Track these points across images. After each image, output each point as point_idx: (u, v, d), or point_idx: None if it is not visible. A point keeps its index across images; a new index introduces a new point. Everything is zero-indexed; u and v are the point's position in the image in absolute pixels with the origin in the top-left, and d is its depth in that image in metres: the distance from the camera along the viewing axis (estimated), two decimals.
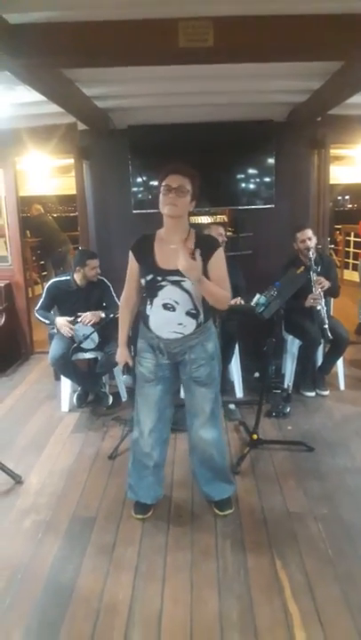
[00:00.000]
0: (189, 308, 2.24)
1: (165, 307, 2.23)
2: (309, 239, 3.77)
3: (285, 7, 2.34)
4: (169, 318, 2.25)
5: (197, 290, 2.18)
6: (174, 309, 2.23)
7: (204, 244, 2.21)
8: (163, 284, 2.21)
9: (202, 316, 2.28)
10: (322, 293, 3.68)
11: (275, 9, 2.36)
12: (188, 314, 2.24)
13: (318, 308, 3.65)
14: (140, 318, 2.40)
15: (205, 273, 2.17)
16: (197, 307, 2.25)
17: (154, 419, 2.41)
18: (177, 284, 2.20)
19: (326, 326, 3.61)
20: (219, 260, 2.24)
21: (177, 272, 2.15)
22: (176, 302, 2.22)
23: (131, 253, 2.32)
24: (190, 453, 2.56)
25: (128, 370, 2.44)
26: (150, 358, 2.36)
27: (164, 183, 2.15)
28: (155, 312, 2.27)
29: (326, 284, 3.71)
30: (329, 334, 3.61)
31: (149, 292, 2.25)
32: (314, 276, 3.67)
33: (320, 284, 3.68)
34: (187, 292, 2.21)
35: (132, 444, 2.53)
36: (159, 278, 2.21)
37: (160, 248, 2.25)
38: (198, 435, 2.44)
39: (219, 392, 2.46)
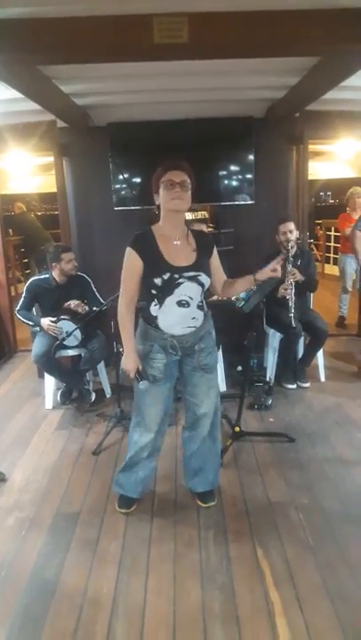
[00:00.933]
0: (199, 301, 2.27)
1: (180, 303, 2.21)
2: (290, 232, 3.84)
3: (260, 3, 2.36)
4: (183, 314, 2.24)
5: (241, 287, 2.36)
6: (189, 305, 2.23)
7: (203, 242, 2.30)
8: (180, 281, 2.18)
9: (205, 307, 2.34)
10: (293, 283, 3.73)
11: (250, 5, 2.37)
12: (198, 307, 2.27)
13: (287, 297, 3.71)
14: (142, 320, 2.33)
15: (208, 267, 2.28)
16: (202, 299, 2.30)
17: (161, 415, 2.42)
18: (194, 279, 2.21)
19: (292, 315, 3.67)
20: (216, 254, 2.36)
21: (191, 267, 2.20)
22: (191, 298, 2.22)
23: (132, 252, 2.18)
24: (185, 444, 2.57)
25: (141, 375, 2.29)
26: (161, 359, 2.32)
27: (165, 179, 2.13)
28: (166, 311, 2.22)
29: (299, 276, 3.77)
30: (293, 323, 3.68)
31: (164, 290, 2.18)
32: (288, 267, 3.74)
33: (293, 275, 3.74)
34: (202, 285, 2.24)
35: (132, 441, 2.48)
36: (177, 276, 2.17)
37: (165, 244, 2.21)
38: (196, 424, 2.47)
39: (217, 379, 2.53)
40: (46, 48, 2.47)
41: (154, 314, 2.25)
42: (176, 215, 2.21)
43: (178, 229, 2.24)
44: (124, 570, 2.14)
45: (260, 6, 2.38)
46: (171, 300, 2.20)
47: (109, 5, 2.34)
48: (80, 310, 3.67)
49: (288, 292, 3.72)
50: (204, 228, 3.75)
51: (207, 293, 2.34)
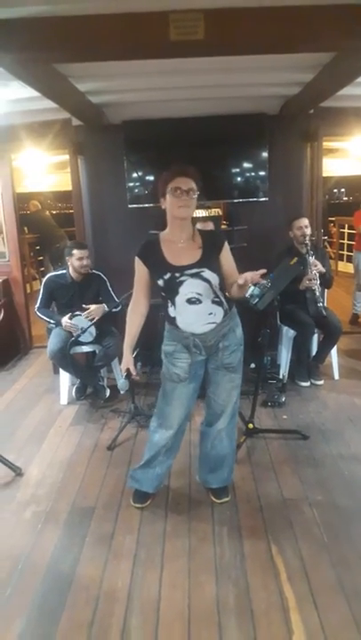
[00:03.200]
0: (213, 296, 2.26)
1: (190, 301, 2.24)
2: (306, 227, 3.88)
3: None
4: (198, 311, 2.26)
5: (239, 292, 2.22)
6: (200, 301, 2.24)
7: (211, 240, 2.30)
8: (182, 279, 2.22)
9: (225, 304, 2.32)
10: (317, 275, 3.74)
11: (265, 1, 2.36)
12: (213, 302, 2.27)
13: (314, 288, 3.74)
14: (165, 322, 2.40)
15: (218, 265, 2.26)
16: (219, 295, 2.28)
17: (183, 416, 2.45)
18: (197, 275, 2.22)
19: (321, 304, 3.71)
20: (227, 252, 2.32)
21: (193, 265, 2.21)
22: (199, 294, 2.23)
23: (138, 259, 2.30)
24: (202, 440, 2.59)
25: (128, 376, 2.45)
26: (185, 358, 2.35)
27: (173, 185, 2.15)
28: (180, 311, 2.27)
29: (321, 267, 3.81)
30: (324, 312, 3.71)
31: (169, 291, 2.25)
32: (311, 259, 3.77)
33: (315, 266, 3.77)
34: (208, 281, 2.24)
35: (153, 442, 2.51)
36: (177, 274, 2.22)
37: (168, 248, 2.27)
38: (214, 422, 2.48)
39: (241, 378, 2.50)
40: (62, 46, 2.48)
41: (172, 315, 2.30)
42: (182, 221, 2.24)
43: (184, 233, 2.26)
44: (139, 564, 2.16)
45: (276, 2, 2.36)
46: (180, 300, 2.25)
47: (125, 3, 2.34)
48: (97, 316, 3.69)
49: (313, 283, 3.76)
50: (210, 225, 3.75)
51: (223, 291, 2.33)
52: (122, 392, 3.89)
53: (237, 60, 2.99)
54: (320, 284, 3.83)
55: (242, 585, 2.01)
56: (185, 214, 2.19)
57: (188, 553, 2.21)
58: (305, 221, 3.91)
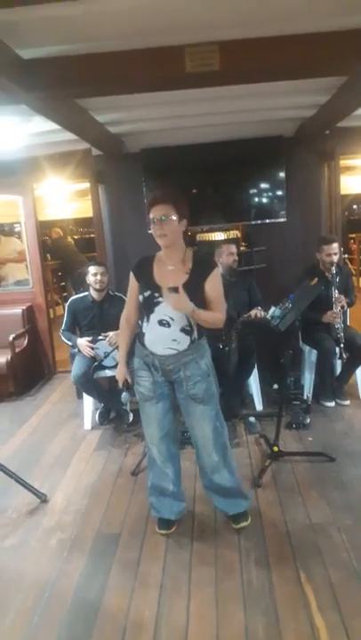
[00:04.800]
0: (184, 324, 2.28)
1: (161, 323, 2.28)
2: (335, 254, 3.83)
3: (288, 27, 2.40)
4: (163, 334, 2.29)
5: (193, 319, 2.24)
6: (169, 325, 2.27)
7: (201, 265, 2.31)
8: (159, 300, 2.26)
9: (195, 333, 2.32)
10: (341, 311, 3.71)
11: (278, 30, 2.41)
12: (182, 330, 2.28)
13: (337, 326, 3.69)
14: (136, 336, 2.45)
15: (201, 292, 2.26)
16: (192, 324, 2.29)
17: (159, 436, 2.44)
18: None
19: (342, 345, 3.66)
20: (215, 280, 2.30)
21: (174, 290, 2.22)
22: (171, 319, 2.26)
23: (131, 273, 2.41)
24: (200, 474, 2.58)
25: (127, 387, 2.52)
26: (147, 376, 2.39)
27: (150, 216, 2.23)
28: (150, 329, 2.32)
29: (345, 302, 3.79)
30: (344, 355, 3.66)
31: (147, 308, 2.31)
32: (336, 293, 3.72)
33: (340, 303, 3.72)
34: None
35: (148, 461, 2.58)
36: (156, 294, 2.26)
37: (159, 268, 2.32)
38: (203, 459, 2.47)
39: (219, 409, 2.45)
40: (83, 83, 2.58)
41: (143, 330, 2.36)
42: (166, 248, 2.28)
43: (174, 257, 2.30)
44: (165, 593, 2.13)
45: (288, 31, 2.42)
46: (153, 319, 2.29)
47: (141, 39, 2.42)
48: (117, 342, 3.72)
49: (337, 321, 3.70)
50: (233, 248, 3.77)
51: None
52: (125, 406, 3.90)
53: (253, 87, 3.05)
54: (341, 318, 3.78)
55: (271, 615, 1.97)
56: (165, 243, 2.25)
57: (214, 581, 2.18)
58: (335, 248, 3.83)
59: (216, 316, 2.30)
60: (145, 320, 2.34)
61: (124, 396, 2.62)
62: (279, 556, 2.30)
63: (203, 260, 2.36)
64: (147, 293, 2.29)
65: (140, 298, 2.33)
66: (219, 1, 2.09)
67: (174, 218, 2.20)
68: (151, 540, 2.50)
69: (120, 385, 2.53)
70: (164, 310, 2.26)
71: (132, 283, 2.41)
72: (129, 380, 2.50)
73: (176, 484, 2.54)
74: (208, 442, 2.41)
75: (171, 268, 2.29)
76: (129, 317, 2.49)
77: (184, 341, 2.30)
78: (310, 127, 4.17)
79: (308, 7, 2.19)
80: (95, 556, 2.41)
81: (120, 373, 2.53)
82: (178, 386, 2.39)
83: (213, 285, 2.29)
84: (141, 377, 2.41)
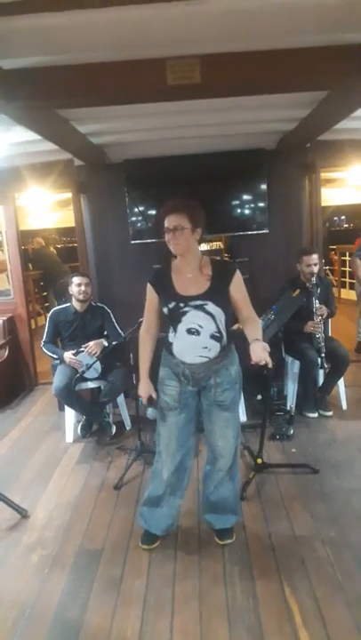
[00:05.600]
0: (213, 330, 2.26)
1: (190, 331, 2.26)
2: (315, 264, 3.85)
3: (267, 43, 2.43)
4: (194, 343, 2.27)
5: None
6: (199, 333, 2.25)
7: (221, 270, 2.30)
8: (186, 309, 2.25)
9: (225, 339, 2.30)
10: (322, 321, 3.74)
11: (258, 45, 2.44)
12: (212, 337, 2.27)
13: (318, 336, 3.72)
14: (162, 347, 2.42)
15: (227, 297, 2.27)
16: (221, 330, 2.28)
17: (176, 447, 2.40)
18: (200, 307, 2.24)
19: (323, 355, 3.68)
20: (238, 283, 2.30)
21: (198, 297, 2.23)
22: (200, 326, 2.25)
23: (149, 286, 2.39)
24: (204, 480, 2.55)
25: (152, 402, 2.45)
26: (174, 386, 2.36)
27: (164, 225, 2.23)
28: (179, 338, 2.29)
29: (326, 311, 3.80)
30: (326, 365, 3.68)
31: (173, 319, 2.29)
32: (316, 304, 3.75)
33: (321, 313, 3.74)
34: (210, 315, 2.25)
35: (154, 472, 2.51)
36: (182, 304, 2.25)
37: (178, 277, 2.32)
38: (215, 465, 2.44)
39: (239, 418, 2.47)
40: (64, 94, 2.57)
41: (170, 340, 2.34)
42: (181, 256, 2.29)
43: (190, 265, 2.30)
44: (148, 609, 2.10)
45: (268, 46, 2.45)
46: (182, 328, 2.28)
47: (123, 51, 2.43)
48: (97, 352, 3.70)
49: (318, 331, 3.72)
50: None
51: (228, 325, 2.31)
52: (107, 418, 3.92)
53: (234, 100, 3.06)
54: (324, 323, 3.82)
55: (255, 629, 1.95)
56: (177, 251, 2.25)
57: (198, 596, 2.15)
58: (315, 258, 3.87)
59: (257, 320, 2.34)
60: (172, 330, 2.32)
61: (150, 412, 2.54)
62: (263, 569, 2.29)
63: (222, 266, 2.37)
64: (171, 305, 2.27)
65: (165, 310, 2.31)
66: (200, 16, 2.10)
67: (187, 227, 2.20)
68: (134, 555, 2.46)
69: (144, 401, 2.48)
70: (192, 318, 2.25)
71: (151, 295, 2.39)
72: (154, 396, 2.43)
73: (175, 497, 2.49)
74: (228, 449, 2.39)
75: (190, 276, 2.29)
76: (148, 330, 2.46)
77: (215, 348, 2.28)
78: (291, 140, 4.21)
79: (288, 24, 2.22)
80: (77, 572, 2.36)
81: (144, 390, 2.47)
82: (205, 392, 2.37)
83: (238, 288, 2.29)
84: (168, 386, 2.37)
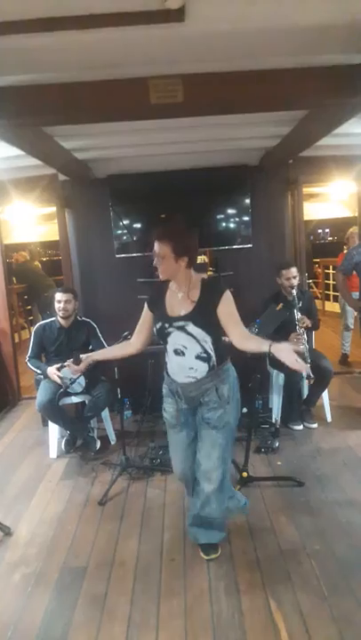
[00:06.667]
0: (199, 351, 2.26)
1: (176, 352, 2.30)
2: (294, 277, 3.89)
3: (249, 64, 2.50)
4: (180, 363, 2.31)
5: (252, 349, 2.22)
6: (183, 354, 2.28)
7: (209, 292, 2.28)
8: (170, 330, 2.28)
9: (214, 360, 2.29)
10: (305, 332, 3.77)
11: (239, 65, 2.51)
12: (198, 357, 2.27)
13: (301, 347, 3.72)
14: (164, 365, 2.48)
15: (214, 317, 2.24)
16: (208, 350, 2.27)
17: (183, 464, 2.49)
18: (181, 328, 2.26)
19: (308, 364, 3.69)
20: (227, 304, 2.25)
21: (181, 318, 2.25)
22: (184, 347, 2.27)
23: (146, 303, 2.45)
24: (190, 506, 2.58)
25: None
26: (172, 403, 2.43)
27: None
28: (170, 358, 2.37)
29: (308, 322, 3.81)
30: (311, 374, 3.69)
31: (161, 339, 2.35)
32: (298, 315, 3.77)
33: (303, 324, 3.77)
34: (192, 335, 2.25)
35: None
36: (167, 325, 2.29)
37: (170, 297, 2.35)
38: (200, 484, 2.42)
39: (231, 440, 2.41)
40: (48, 111, 2.60)
41: (166, 359, 2.40)
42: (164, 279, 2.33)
43: (182, 284, 2.30)
44: (133, 627, 2.08)
45: (250, 66, 2.52)
46: (169, 348, 2.33)
47: (107, 71, 2.47)
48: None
49: (301, 341, 3.73)
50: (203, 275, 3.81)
51: (219, 345, 2.30)
52: (92, 433, 3.91)
53: (218, 117, 3.13)
54: (307, 336, 3.84)
55: None
56: (162, 277, 2.30)
57: (184, 612, 2.13)
58: (293, 272, 3.90)
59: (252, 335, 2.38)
60: (165, 350, 2.38)
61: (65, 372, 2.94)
62: (249, 583, 2.28)
63: (211, 287, 2.32)
64: (158, 325, 2.33)
65: (154, 330, 2.38)
66: (182, 37, 2.15)
67: (171, 256, 2.20)
68: (119, 571, 2.44)
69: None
70: (176, 339, 2.29)
71: (146, 311, 2.45)
72: (58, 373, 2.70)
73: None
74: (212, 471, 2.35)
75: (180, 295, 2.31)
76: (136, 338, 2.50)
77: (202, 369, 2.29)
78: (274, 157, 4.30)
79: (269, 45, 2.29)
80: (61, 590, 2.33)
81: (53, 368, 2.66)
82: (198, 410, 2.40)
83: (226, 310, 2.25)
84: (168, 404, 2.46)
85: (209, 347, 2.27)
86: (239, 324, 2.27)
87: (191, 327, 2.24)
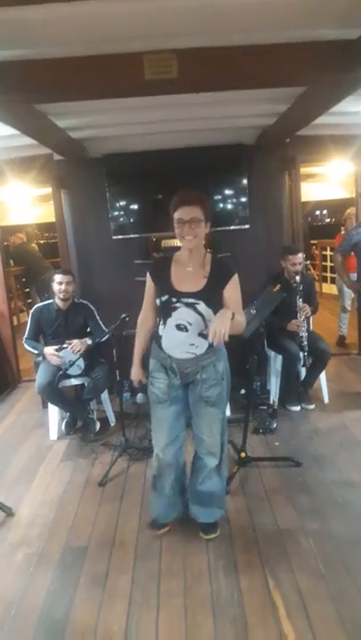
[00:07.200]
0: (202, 329, 2.26)
1: (178, 327, 2.26)
2: (300, 263, 3.88)
3: (244, 38, 2.42)
4: (181, 339, 2.28)
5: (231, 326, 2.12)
6: (187, 330, 2.26)
7: (219, 270, 2.28)
8: (177, 305, 2.24)
9: None
10: (305, 319, 3.77)
11: (234, 40, 2.44)
12: (200, 335, 2.27)
13: (301, 334, 3.74)
14: (153, 338, 2.43)
15: (220, 298, 2.25)
16: (209, 327, 2.28)
17: (166, 441, 2.42)
18: (191, 306, 2.24)
19: (306, 354, 3.72)
20: (234, 287, 2.27)
21: (192, 294, 2.23)
22: (189, 323, 2.25)
23: (148, 275, 2.37)
24: (192, 472, 2.55)
25: (143, 388, 2.52)
26: (163, 379, 2.37)
27: (176, 216, 2.18)
28: (168, 332, 2.30)
29: (309, 310, 3.84)
30: (308, 363, 3.72)
31: (164, 312, 2.29)
32: (300, 303, 3.78)
33: (304, 312, 3.77)
34: (200, 314, 2.25)
35: (153, 463, 2.54)
36: (174, 299, 2.25)
37: (177, 270, 2.30)
38: (203, 459, 2.45)
39: (226, 414, 2.48)
40: (41, 88, 2.53)
41: (160, 333, 2.35)
42: (189, 250, 2.26)
43: (193, 258, 2.28)
44: (134, 605, 2.11)
45: (245, 41, 2.44)
46: (171, 323, 2.28)
47: (100, 45, 2.40)
48: (84, 348, 3.67)
49: (301, 329, 3.75)
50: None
51: None
52: (91, 415, 3.94)
53: (212, 94, 3.06)
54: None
55: (240, 623, 1.97)
56: (189, 245, 2.22)
57: (183, 591, 2.17)
58: (300, 258, 3.89)
59: (241, 320, 2.25)
60: (162, 323, 2.32)
61: (140, 397, 2.62)
62: (248, 563, 2.31)
63: (221, 266, 2.31)
64: (164, 298, 2.27)
65: (158, 302, 2.31)
66: (177, 9, 2.08)
67: (202, 220, 2.18)
68: (120, 551, 2.48)
69: (135, 384, 2.55)
70: (182, 315, 2.25)
71: (149, 284, 2.38)
72: (143, 381, 2.49)
73: (175, 490, 2.51)
74: (215, 444, 2.40)
75: (190, 270, 2.27)
76: (145, 318, 2.46)
77: (202, 346, 2.28)
78: (271, 135, 4.22)
79: (265, 19, 2.22)
80: (62, 570, 2.36)
81: (135, 374, 2.52)
82: (192, 387, 2.39)
83: (232, 292, 2.26)
84: (157, 379, 2.39)
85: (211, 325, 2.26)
86: (238, 309, 2.26)
87: (202, 306, 2.23)
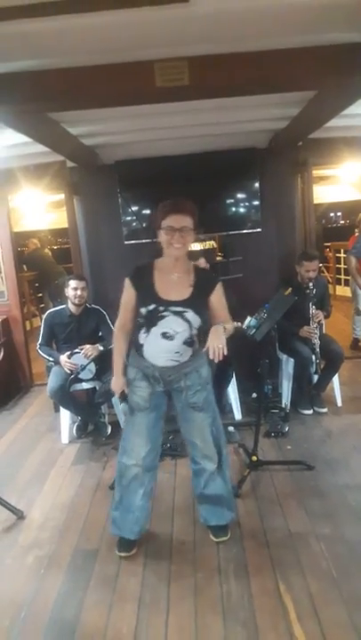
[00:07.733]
0: (187, 337, 2.27)
1: (164, 335, 2.25)
2: (314, 270, 3.88)
3: (256, 44, 2.44)
4: (166, 347, 2.28)
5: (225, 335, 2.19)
6: (173, 338, 2.26)
7: (204, 279, 2.31)
8: (165, 314, 2.24)
9: (197, 344, 2.33)
10: (318, 326, 3.76)
11: (246, 46, 2.46)
12: (185, 343, 2.28)
13: (313, 341, 3.74)
14: (131, 347, 2.42)
15: (206, 305, 2.29)
16: (193, 336, 2.30)
17: (146, 448, 2.41)
18: (179, 314, 2.24)
19: (318, 361, 3.71)
20: (218, 294, 2.32)
21: (180, 303, 2.23)
22: (176, 332, 2.25)
23: (128, 282, 2.31)
24: (193, 478, 2.55)
25: (124, 398, 2.45)
26: (145, 387, 2.37)
27: (166, 224, 2.17)
28: (151, 340, 2.29)
29: (322, 317, 3.85)
30: (319, 370, 3.75)
31: (149, 321, 2.26)
32: (313, 309, 3.78)
33: (317, 318, 3.76)
34: (188, 322, 2.25)
35: (119, 475, 2.48)
36: (161, 308, 2.24)
37: (161, 278, 2.29)
38: (200, 464, 2.46)
39: (217, 414, 2.48)
40: (54, 97, 2.58)
41: (141, 342, 2.32)
42: (176, 258, 2.26)
43: (178, 266, 2.28)
44: (144, 607, 2.11)
45: (256, 47, 2.46)
46: (156, 331, 2.26)
47: (112, 54, 2.44)
48: (96, 354, 3.70)
49: (313, 336, 3.75)
50: (202, 262, 3.77)
51: (203, 332, 2.31)
52: (102, 419, 3.95)
53: (224, 100, 3.08)
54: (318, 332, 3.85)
55: (250, 626, 1.96)
56: (177, 253, 2.22)
57: (193, 593, 2.17)
58: (315, 265, 3.90)
59: (232, 326, 2.31)
60: (144, 331, 2.29)
61: (123, 407, 2.58)
62: (258, 566, 2.30)
63: (204, 275, 2.36)
64: (151, 307, 2.24)
65: (143, 311, 2.26)
66: (187, 18, 2.11)
67: (191, 229, 2.20)
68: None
69: (117, 396, 2.48)
70: (169, 324, 2.25)
71: (129, 291, 2.32)
72: (126, 391, 2.43)
73: (146, 499, 2.49)
74: (209, 448, 2.41)
75: (175, 278, 2.27)
76: (123, 326, 2.40)
77: (186, 354, 2.30)
78: (283, 139, 4.23)
79: (274, 25, 2.23)
80: (73, 572, 2.37)
81: (117, 385, 2.43)
82: (176, 394, 2.39)
83: (218, 299, 2.31)
84: (139, 387, 2.38)
85: (195, 332, 2.29)
86: (225, 312, 2.33)
87: (190, 314, 2.24)
